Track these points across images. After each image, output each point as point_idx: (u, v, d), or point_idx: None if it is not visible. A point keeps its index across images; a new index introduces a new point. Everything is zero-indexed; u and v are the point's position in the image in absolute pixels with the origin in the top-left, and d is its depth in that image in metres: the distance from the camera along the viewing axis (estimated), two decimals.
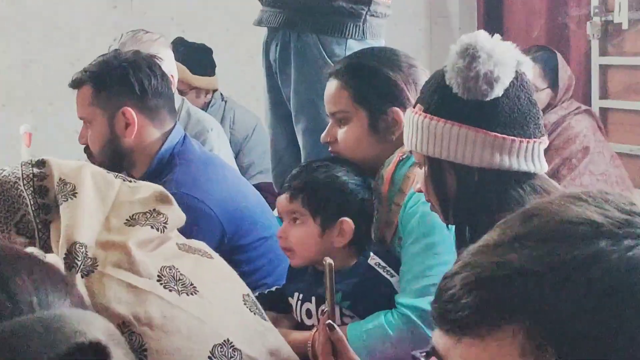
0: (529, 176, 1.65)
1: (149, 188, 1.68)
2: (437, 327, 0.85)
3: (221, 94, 3.95)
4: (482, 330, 0.80)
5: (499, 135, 1.62)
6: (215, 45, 4.07)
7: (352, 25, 2.80)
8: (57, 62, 4.62)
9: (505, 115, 1.64)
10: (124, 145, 2.35)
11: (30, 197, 1.61)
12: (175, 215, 1.64)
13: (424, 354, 0.90)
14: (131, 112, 2.34)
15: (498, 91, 1.62)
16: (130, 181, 1.68)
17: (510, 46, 1.67)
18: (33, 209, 1.60)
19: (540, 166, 1.67)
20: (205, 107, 3.76)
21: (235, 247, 2.32)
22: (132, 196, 1.64)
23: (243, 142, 3.75)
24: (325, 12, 2.79)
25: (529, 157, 1.65)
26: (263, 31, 2.96)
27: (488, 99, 1.62)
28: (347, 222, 2.07)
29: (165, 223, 1.60)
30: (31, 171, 1.65)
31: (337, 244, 2.07)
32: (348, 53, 2.65)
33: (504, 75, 1.62)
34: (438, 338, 0.85)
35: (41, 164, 1.68)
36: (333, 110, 2.24)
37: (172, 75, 3.21)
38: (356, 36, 2.79)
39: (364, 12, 2.81)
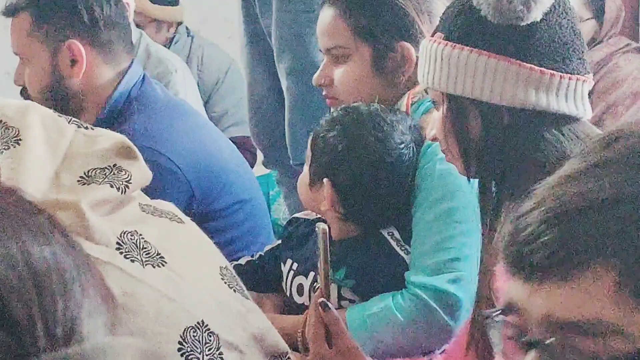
0: (569, 120, 1.66)
1: (110, 138, 1.65)
2: (513, 275, 0.87)
3: (187, 27, 3.96)
4: (567, 271, 0.82)
5: (535, 67, 1.63)
6: None
7: None
8: None
9: (544, 44, 1.64)
10: (69, 86, 2.36)
11: None
12: (141, 173, 1.63)
13: (498, 312, 0.92)
14: (78, 46, 2.35)
15: (536, 14, 1.62)
16: (86, 128, 1.67)
17: None
18: None
19: (584, 109, 1.69)
20: (167, 44, 3.77)
21: (207, 212, 2.33)
22: (89, 147, 1.60)
23: (214, 87, 3.77)
24: None
25: (571, 96, 1.66)
26: None
27: (524, 23, 1.62)
28: (327, 184, 2.08)
29: (128, 182, 1.58)
30: None
31: (322, 207, 2.09)
32: None
33: None
34: (514, 289, 0.87)
35: None
36: (329, 45, 2.25)
37: (127, 3, 3.21)
38: None
39: None
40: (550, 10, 1.65)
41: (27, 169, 1.54)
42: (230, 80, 3.82)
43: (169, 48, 3.64)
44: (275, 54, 2.89)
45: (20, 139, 1.57)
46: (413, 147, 2.09)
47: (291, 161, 2.87)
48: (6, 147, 1.56)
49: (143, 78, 2.49)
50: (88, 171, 1.58)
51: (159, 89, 2.53)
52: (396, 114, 2.12)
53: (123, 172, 1.59)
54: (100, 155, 1.61)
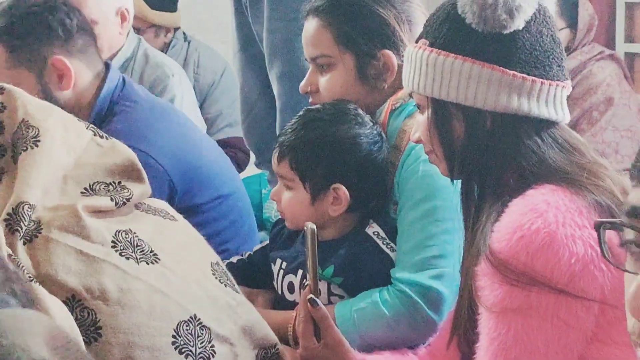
0: (549, 125, 1.65)
1: (121, 153, 1.65)
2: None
3: (184, 33, 3.95)
4: None
5: (517, 74, 1.62)
6: None
7: None
8: None
9: (526, 52, 1.63)
10: (59, 98, 2.35)
11: None
12: (142, 192, 1.63)
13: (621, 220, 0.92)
14: (63, 60, 2.34)
15: (519, 23, 1.61)
16: (102, 137, 1.64)
17: None
18: None
19: (563, 114, 1.67)
20: (165, 49, 3.76)
21: (188, 207, 2.31)
22: (99, 158, 1.60)
23: (209, 89, 3.76)
24: None
25: (551, 101, 1.65)
26: None
27: (507, 31, 1.61)
28: (341, 189, 2.05)
29: (128, 199, 1.59)
30: None
31: (332, 212, 2.07)
32: None
33: (526, 4, 1.62)
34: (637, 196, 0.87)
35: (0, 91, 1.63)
36: (314, 54, 2.23)
37: (126, 10, 3.21)
38: None
39: None
40: (532, 19, 1.64)
41: (39, 172, 1.53)
42: (225, 83, 3.81)
43: (166, 52, 3.64)
44: (266, 60, 2.87)
45: (39, 140, 1.56)
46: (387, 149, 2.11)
47: None
48: (24, 149, 1.55)
49: (123, 80, 2.48)
50: (93, 184, 1.58)
51: (140, 90, 2.53)
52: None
53: (126, 190, 1.60)
54: (108, 169, 1.61)
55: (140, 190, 1.62)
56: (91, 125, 1.68)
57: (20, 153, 1.54)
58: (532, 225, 1.49)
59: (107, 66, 2.51)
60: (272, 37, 2.82)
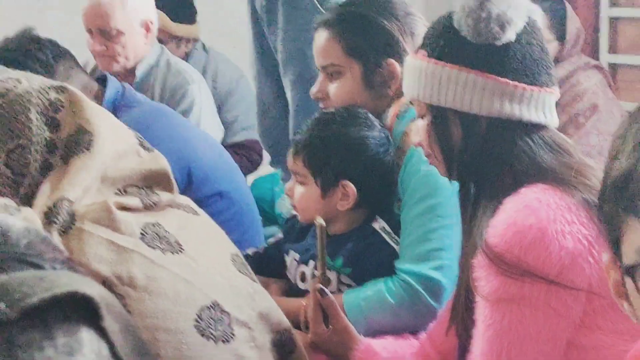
0: (539, 128, 1.65)
1: (158, 163, 1.65)
2: None
3: (203, 43, 3.93)
4: None
5: (509, 82, 1.62)
6: None
7: None
8: None
9: (517, 61, 1.63)
10: None
11: (37, 127, 1.54)
12: (170, 200, 1.63)
13: None
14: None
15: (510, 35, 1.61)
16: (146, 147, 1.63)
17: None
18: (37, 142, 1.53)
19: (552, 118, 1.67)
20: (185, 58, 3.75)
21: None
22: (137, 165, 1.60)
23: (226, 96, 3.74)
24: None
25: (540, 107, 1.65)
26: None
27: (499, 42, 1.61)
28: (349, 186, 2.06)
29: (155, 204, 1.58)
30: (47, 96, 1.57)
31: (341, 207, 2.07)
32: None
33: (517, 18, 1.62)
34: None
35: (60, 90, 1.59)
36: (324, 63, 2.23)
37: (150, 22, 3.21)
38: None
39: None
40: (522, 31, 1.63)
41: (86, 175, 1.52)
42: (241, 90, 3.79)
43: (187, 61, 3.63)
44: (280, 67, 2.88)
45: (92, 145, 1.55)
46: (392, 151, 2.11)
47: None
48: (77, 152, 1.54)
49: (123, 88, 2.50)
50: (126, 187, 1.57)
51: (139, 96, 2.54)
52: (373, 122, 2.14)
53: (155, 196, 1.59)
54: (142, 175, 1.60)
55: (168, 198, 1.61)
56: (138, 134, 1.67)
57: (72, 156, 1.53)
58: (525, 221, 1.49)
59: (104, 78, 2.53)
60: (286, 46, 2.84)
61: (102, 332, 0.72)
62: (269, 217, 3.21)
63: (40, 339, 0.67)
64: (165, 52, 3.36)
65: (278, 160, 3.09)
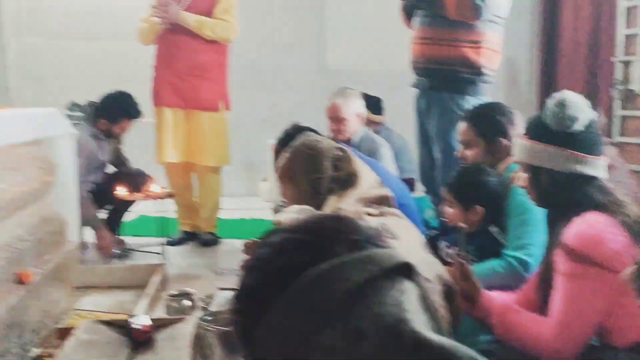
0: (595, 179, 1.58)
1: (384, 191, 1.60)
2: None
3: (386, 125, 3.94)
4: None
5: (579, 154, 1.56)
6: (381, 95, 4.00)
7: (469, 87, 2.82)
8: None
9: (584, 141, 1.57)
10: None
11: (327, 168, 1.55)
12: (388, 212, 1.57)
13: None
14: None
15: (578, 126, 1.56)
16: (379, 182, 1.59)
17: (585, 100, 1.61)
18: (327, 176, 1.53)
19: (603, 173, 1.60)
20: (377, 133, 3.72)
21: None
22: (374, 191, 1.55)
23: (398, 153, 3.64)
24: (454, 79, 2.81)
25: (595, 167, 1.58)
26: (412, 91, 3.00)
27: (571, 130, 1.56)
28: (479, 208, 2.03)
29: (383, 213, 1.55)
30: (334, 152, 1.59)
31: (473, 218, 2.05)
32: (466, 105, 2.66)
33: (582, 117, 1.56)
34: None
35: (341, 149, 1.62)
36: (462, 140, 2.23)
37: (361, 113, 3.24)
38: (472, 94, 2.80)
39: (478, 79, 2.83)
40: (587, 124, 1.58)
41: (354, 200, 1.55)
42: (405, 152, 3.78)
43: (378, 134, 3.64)
44: (435, 140, 2.90)
45: (358, 183, 1.58)
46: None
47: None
48: (348, 187, 1.56)
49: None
50: (369, 204, 1.57)
51: (363, 156, 2.34)
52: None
53: (384, 208, 1.58)
54: (378, 198, 1.59)
55: (389, 210, 1.60)
56: (376, 174, 1.66)
57: (348, 188, 1.56)
58: (587, 230, 1.44)
59: None
60: (437, 128, 2.86)
61: (415, 283, 0.67)
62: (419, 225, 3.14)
63: (390, 287, 0.65)
64: (366, 129, 3.37)
65: (430, 192, 3.12)
